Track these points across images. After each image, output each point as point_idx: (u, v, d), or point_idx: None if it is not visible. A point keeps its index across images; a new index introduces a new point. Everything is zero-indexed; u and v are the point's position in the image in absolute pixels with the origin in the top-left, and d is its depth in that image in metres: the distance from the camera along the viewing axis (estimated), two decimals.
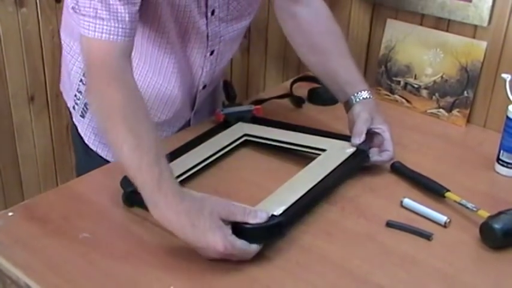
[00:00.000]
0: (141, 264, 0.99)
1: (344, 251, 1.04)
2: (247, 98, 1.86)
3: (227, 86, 1.49)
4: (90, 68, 1.06)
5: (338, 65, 1.34)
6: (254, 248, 0.98)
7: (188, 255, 0.99)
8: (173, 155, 1.22)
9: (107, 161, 1.32)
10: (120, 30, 1.04)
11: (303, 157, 1.27)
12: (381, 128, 1.27)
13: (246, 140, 1.35)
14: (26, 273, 0.95)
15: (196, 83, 1.36)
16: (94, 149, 1.39)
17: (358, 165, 1.24)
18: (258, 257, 1.00)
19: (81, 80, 1.33)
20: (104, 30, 1.03)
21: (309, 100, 1.62)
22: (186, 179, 1.18)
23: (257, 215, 0.98)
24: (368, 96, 1.30)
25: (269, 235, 1.01)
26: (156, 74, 1.28)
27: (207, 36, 1.27)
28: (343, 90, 1.32)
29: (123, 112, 1.00)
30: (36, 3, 1.81)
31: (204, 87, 1.39)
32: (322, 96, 1.62)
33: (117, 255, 1.01)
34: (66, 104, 1.47)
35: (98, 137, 1.37)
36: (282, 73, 1.92)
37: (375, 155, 1.26)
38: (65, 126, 2.03)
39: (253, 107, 1.44)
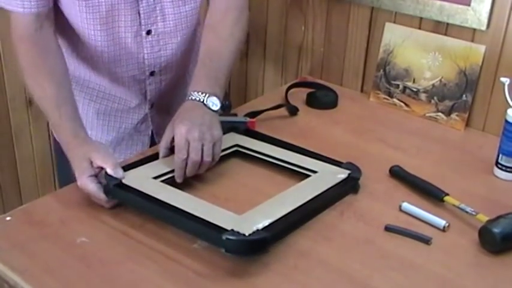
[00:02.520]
0: (140, 269, 0.98)
1: (343, 255, 1.04)
2: (246, 101, 1.86)
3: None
4: (11, 35, 1.25)
5: (202, 62, 1.28)
6: (103, 196, 1.10)
7: (187, 260, 0.99)
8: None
9: None
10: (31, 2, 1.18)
11: (294, 175, 1.25)
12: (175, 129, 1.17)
13: (236, 151, 1.33)
14: (24, 277, 0.95)
15: (140, 68, 1.34)
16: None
17: (348, 191, 1.21)
18: (256, 262, 1.00)
19: None
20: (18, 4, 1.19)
21: (307, 104, 1.61)
22: (184, 183, 1.18)
23: (116, 171, 1.12)
24: (192, 98, 1.21)
25: (252, 250, 0.99)
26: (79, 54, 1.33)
27: (139, 13, 1.25)
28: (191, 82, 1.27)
29: (31, 69, 1.22)
30: None
31: (152, 73, 1.36)
32: (320, 100, 1.62)
33: (115, 259, 1.00)
34: None
35: None
36: (281, 77, 1.92)
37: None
38: None
39: (247, 119, 1.42)
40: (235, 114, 1.44)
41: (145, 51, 1.31)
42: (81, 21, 1.24)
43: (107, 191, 1.11)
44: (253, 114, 1.47)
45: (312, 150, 1.29)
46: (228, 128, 1.35)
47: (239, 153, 1.33)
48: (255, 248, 0.99)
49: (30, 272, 0.96)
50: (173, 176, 1.17)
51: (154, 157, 1.23)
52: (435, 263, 1.03)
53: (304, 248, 1.05)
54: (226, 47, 1.30)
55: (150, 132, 1.46)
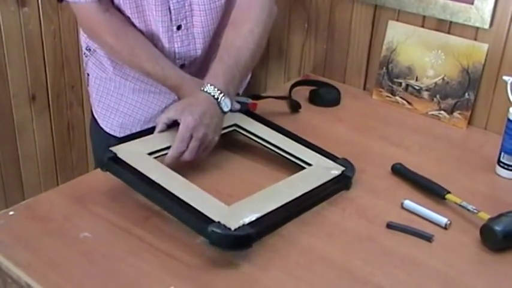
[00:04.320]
0: (142, 264, 0.99)
1: (344, 252, 1.05)
2: None
3: None
4: (81, 26, 1.38)
5: (220, 56, 1.30)
6: None
7: (189, 256, 0.99)
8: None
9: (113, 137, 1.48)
10: None
11: (288, 166, 1.25)
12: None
13: (234, 131, 1.33)
14: (27, 272, 0.96)
15: (172, 60, 1.38)
16: (96, 117, 1.50)
17: (339, 189, 1.20)
18: (258, 258, 1.00)
19: (84, 53, 1.51)
20: None
21: (310, 101, 1.62)
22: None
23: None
24: (207, 91, 1.22)
25: (236, 245, 0.99)
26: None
27: (169, 9, 1.31)
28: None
29: (118, 42, 1.32)
30: (38, 3, 1.81)
31: (183, 65, 1.41)
32: (323, 97, 1.62)
33: (117, 255, 1.01)
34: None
35: (96, 106, 1.50)
36: (284, 74, 1.92)
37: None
38: (66, 126, 2.03)
39: (249, 100, 1.42)
40: (237, 94, 1.43)
41: (176, 45, 1.38)
42: (124, 7, 1.33)
43: (101, 164, 1.12)
44: (255, 98, 1.47)
45: (308, 140, 1.29)
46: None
47: (236, 134, 1.33)
48: (239, 243, 0.99)
49: (33, 266, 0.97)
50: (166, 154, 1.18)
51: (151, 131, 1.23)
52: (437, 261, 1.03)
53: (306, 245, 1.05)
54: (245, 43, 1.30)
55: None
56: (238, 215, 1.02)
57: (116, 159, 1.13)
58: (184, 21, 1.35)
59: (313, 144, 1.29)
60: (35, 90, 1.89)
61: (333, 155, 1.26)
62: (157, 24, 1.34)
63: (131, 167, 1.11)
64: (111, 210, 1.11)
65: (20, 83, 1.85)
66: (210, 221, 0.99)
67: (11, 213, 1.10)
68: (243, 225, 1.00)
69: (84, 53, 1.51)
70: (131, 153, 1.15)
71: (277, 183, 1.15)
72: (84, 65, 1.54)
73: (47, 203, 1.14)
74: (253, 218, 1.02)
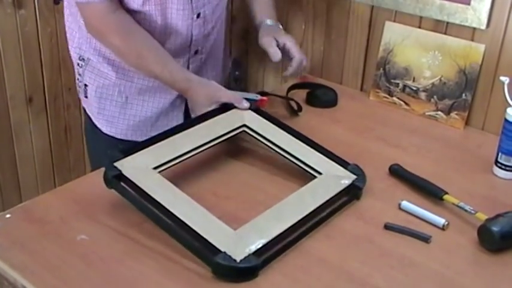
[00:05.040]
0: (140, 267, 0.99)
1: (342, 253, 1.04)
2: None
3: (236, 65, 1.50)
4: (89, 27, 1.35)
5: (258, 3, 1.60)
6: (239, 98, 1.35)
7: (186, 259, 0.99)
8: (167, 133, 1.24)
9: (113, 138, 1.47)
10: None
11: (297, 174, 1.24)
12: (285, 39, 1.51)
13: (243, 131, 1.31)
14: (24, 275, 0.95)
15: (187, 47, 1.43)
16: (99, 126, 1.48)
17: (350, 201, 1.17)
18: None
19: (77, 64, 1.47)
20: None
21: (307, 102, 1.61)
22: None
23: (243, 104, 1.35)
24: (271, 24, 1.55)
25: (241, 276, 0.97)
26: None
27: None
28: (255, 17, 1.59)
29: (126, 43, 1.33)
30: (35, 5, 1.81)
31: (196, 52, 1.46)
32: (320, 98, 1.62)
33: (115, 257, 1.01)
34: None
35: (100, 114, 1.48)
36: (281, 76, 1.92)
37: (289, 70, 1.52)
38: (63, 128, 2.03)
39: (258, 97, 1.41)
40: (246, 90, 1.44)
41: (194, 33, 1.42)
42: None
43: (106, 181, 1.10)
44: (262, 94, 1.46)
45: (319, 143, 1.27)
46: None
47: (246, 135, 1.31)
48: (245, 275, 0.97)
49: (30, 269, 0.97)
50: (172, 166, 1.17)
51: (155, 140, 1.22)
52: (434, 261, 1.03)
53: (304, 246, 1.05)
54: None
55: (184, 107, 1.50)
56: (244, 242, 1.00)
57: (120, 176, 1.10)
58: (203, 9, 1.41)
59: (324, 148, 1.26)
60: (32, 92, 1.89)
61: (343, 161, 1.24)
62: (178, 13, 1.36)
63: (136, 186, 1.08)
64: (108, 213, 1.11)
65: (17, 85, 1.84)
66: (215, 250, 0.97)
67: (8, 215, 1.09)
68: (249, 255, 0.97)
69: (78, 64, 1.47)
70: (136, 168, 1.13)
71: (286, 199, 1.12)
72: (77, 76, 1.49)
73: (44, 206, 1.14)
74: (260, 245, 1.00)
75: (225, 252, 0.96)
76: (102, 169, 1.14)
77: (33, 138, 1.95)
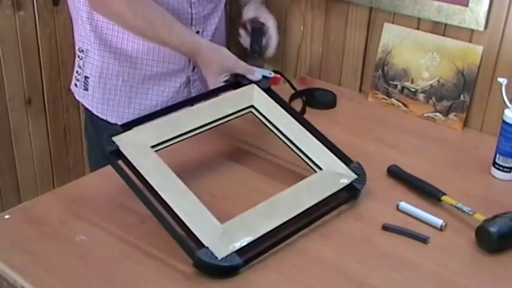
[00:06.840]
0: (138, 268, 0.99)
1: (340, 254, 1.05)
2: None
3: (254, 34, 1.52)
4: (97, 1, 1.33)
5: None
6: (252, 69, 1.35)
7: (185, 259, 0.99)
8: (172, 108, 1.22)
9: None
10: None
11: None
12: (268, 17, 1.54)
13: (250, 112, 1.28)
14: (23, 275, 0.95)
15: (188, 27, 1.42)
16: (104, 117, 1.47)
17: (345, 201, 1.16)
18: (254, 260, 1.00)
19: (78, 56, 1.47)
20: None
21: (306, 104, 1.61)
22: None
23: (256, 75, 1.35)
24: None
25: (221, 274, 0.97)
26: None
27: None
28: None
29: (131, 10, 1.31)
30: (34, 6, 1.81)
31: (197, 33, 1.45)
32: (319, 99, 1.63)
33: (114, 258, 1.01)
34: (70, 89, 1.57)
35: (105, 105, 1.47)
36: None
37: (269, 51, 1.54)
38: (62, 129, 2.03)
39: (272, 74, 1.40)
40: (262, 66, 1.44)
41: (193, 11, 1.43)
42: None
43: (103, 155, 1.09)
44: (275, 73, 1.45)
45: (325, 135, 1.25)
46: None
47: (252, 116, 1.29)
48: (225, 273, 0.97)
49: (29, 270, 0.97)
50: (172, 144, 1.15)
51: (161, 113, 1.20)
52: (432, 262, 1.04)
53: (302, 246, 1.05)
54: None
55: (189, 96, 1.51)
56: (230, 237, 0.99)
57: (117, 153, 1.09)
58: None
59: (329, 141, 1.23)
60: (31, 93, 1.89)
61: (347, 157, 1.21)
62: None
63: (132, 166, 1.07)
64: (107, 214, 1.11)
65: (16, 87, 1.85)
66: (199, 243, 0.97)
67: (7, 216, 1.09)
68: (232, 253, 0.97)
69: (78, 56, 1.47)
70: (134, 145, 1.10)
71: (281, 193, 1.11)
72: (77, 69, 1.48)
73: (43, 207, 1.14)
74: (245, 243, 0.99)
75: (207, 248, 0.96)
76: (102, 170, 1.15)
77: (32, 139, 1.95)
